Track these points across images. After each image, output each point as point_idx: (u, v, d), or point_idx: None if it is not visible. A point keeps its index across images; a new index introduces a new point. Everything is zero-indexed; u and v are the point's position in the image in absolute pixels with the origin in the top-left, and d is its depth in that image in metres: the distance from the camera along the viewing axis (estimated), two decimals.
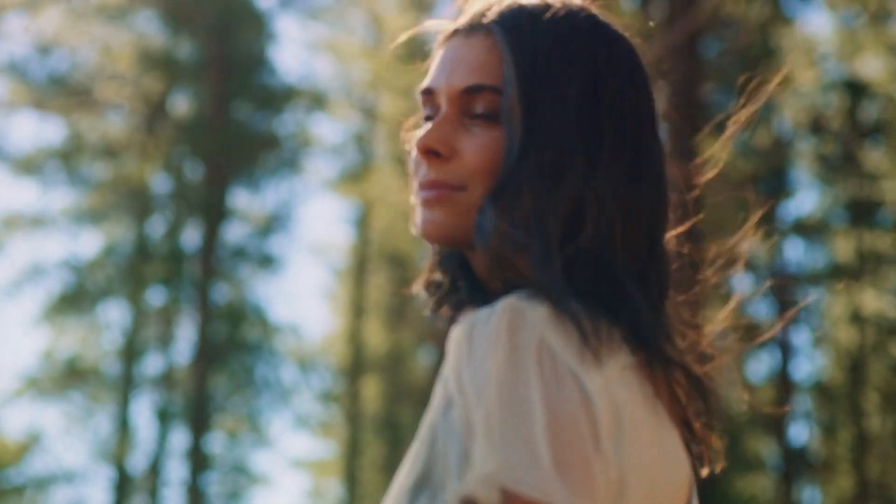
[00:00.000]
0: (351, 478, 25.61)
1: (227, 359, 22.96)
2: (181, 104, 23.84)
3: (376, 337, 26.26)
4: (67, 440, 22.39)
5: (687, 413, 1.59)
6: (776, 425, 19.38)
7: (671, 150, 1.71)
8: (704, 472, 1.67)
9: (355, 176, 25.26)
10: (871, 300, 20.05)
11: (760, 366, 20.26)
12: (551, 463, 1.34)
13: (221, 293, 23.33)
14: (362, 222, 26.25)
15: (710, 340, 1.70)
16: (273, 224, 23.72)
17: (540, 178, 1.53)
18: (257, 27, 23.87)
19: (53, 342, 22.60)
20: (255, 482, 23.54)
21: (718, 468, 1.68)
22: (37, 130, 37.36)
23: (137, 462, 22.43)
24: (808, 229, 20.48)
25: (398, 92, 23.89)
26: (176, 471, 22.52)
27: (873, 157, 20.16)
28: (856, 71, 19.93)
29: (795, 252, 21.20)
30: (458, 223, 1.60)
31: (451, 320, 1.72)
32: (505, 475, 1.33)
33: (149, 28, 23.50)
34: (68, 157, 22.69)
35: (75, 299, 22.42)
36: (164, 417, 22.48)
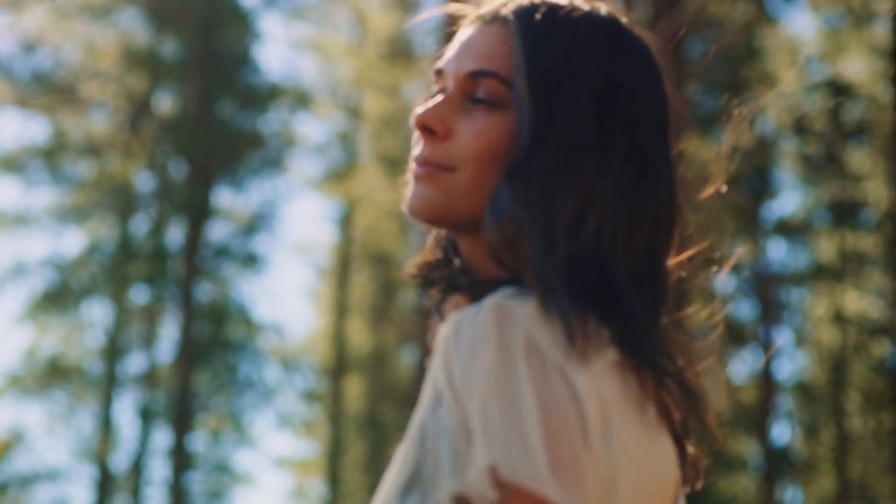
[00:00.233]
0: (334, 477, 25.61)
1: (211, 358, 22.93)
2: (165, 103, 23.81)
3: (359, 336, 26.26)
4: (50, 439, 22.35)
5: (674, 425, 1.58)
6: (758, 425, 19.42)
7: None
8: (699, 484, 1.67)
9: (339, 175, 25.26)
10: (854, 301, 20.11)
11: (743, 366, 20.29)
12: (545, 458, 1.35)
13: (205, 292, 23.30)
14: (346, 221, 26.25)
15: (697, 347, 1.70)
16: (257, 223, 23.69)
17: (551, 170, 1.54)
18: (242, 26, 23.83)
19: (36, 340, 22.55)
20: (237, 481, 23.52)
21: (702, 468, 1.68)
22: (20, 128, 37.20)
23: (120, 461, 22.40)
24: (791, 229, 20.52)
25: (382, 91, 23.90)
26: (158, 470, 22.50)
27: (856, 157, 20.21)
28: (839, 72, 19.98)
29: (778, 252, 21.27)
30: (442, 203, 1.61)
31: (438, 304, 1.72)
32: (503, 467, 1.34)
33: (133, 26, 23.46)
34: (52, 156, 22.63)
35: (58, 298, 22.36)
36: (146, 416, 22.45)
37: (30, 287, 22.51)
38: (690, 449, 1.63)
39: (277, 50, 43.98)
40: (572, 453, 1.37)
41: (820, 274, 20.42)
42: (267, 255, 24.32)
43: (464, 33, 1.68)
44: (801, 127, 19.59)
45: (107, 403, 22.37)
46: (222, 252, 23.46)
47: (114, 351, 22.56)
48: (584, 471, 1.38)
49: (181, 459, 21.88)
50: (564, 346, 1.41)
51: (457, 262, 1.71)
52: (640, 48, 1.66)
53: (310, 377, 25.51)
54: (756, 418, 19.25)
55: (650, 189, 1.59)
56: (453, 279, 1.70)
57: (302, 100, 24.72)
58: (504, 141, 1.59)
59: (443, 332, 1.45)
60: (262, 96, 23.77)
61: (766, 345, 19.83)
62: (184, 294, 22.55)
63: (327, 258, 27.42)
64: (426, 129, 1.63)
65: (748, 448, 20.33)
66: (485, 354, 1.39)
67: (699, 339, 1.72)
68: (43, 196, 22.78)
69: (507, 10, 1.65)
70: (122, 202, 22.84)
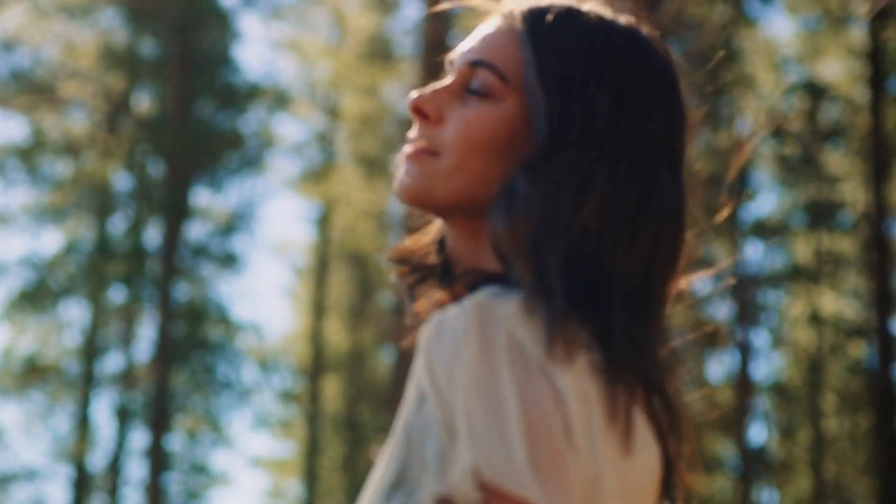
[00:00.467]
0: (311, 477, 25.60)
1: (188, 357, 22.88)
2: (144, 102, 23.77)
3: (337, 336, 26.26)
4: (27, 438, 22.29)
5: (658, 426, 1.56)
6: (735, 426, 19.47)
7: None
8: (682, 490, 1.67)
9: (317, 175, 25.25)
10: (830, 302, 20.18)
11: (719, 366, 20.36)
12: (526, 459, 1.35)
13: (182, 292, 23.25)
14: (324, 221, 26.24)
15: (675, 351, 1.70)
16: (235, 223, 23.66)
17: (567, 172, 1.54)
18: (221, 25, 23.80)
19: (14, 340, 22.48)
20: (215, 481, 23.50)
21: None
22: None
23: (97, 461, 22.36)
24: (768, 231, 20.58)
25: (360, 91, 23.89)
26: (136, 470, 22.46)
27: (833, 159, 20.29)
28: (816, 74, 20.05)
29: (755, 253, 21.31)
30: (422, 185, 1.63)
31: (411, 288, 1.73)
32: (485, 468, 1.35)
33: (112, 25, 23.41)
34: (30, 155, 22.56)
35: (36, 297, 22.30)
36: (123, 416, 22.40)
37: (7, 286, 22.47)
38: (673, 451, 1.62)
39: (256, 50, 44.02)
40: (555, 453, 1.37)
41: (796, 275, 20.49)
42: (245, 255, 24.34)
43: (480, 27, 1.70)
44: (778, 129, 19.64)
45: (84, 403, 22.32)
46: (200, 252, 23.42)
47: (91, 351, 22.51)
48: (567, 471, 1.38)
49: (158, 459, 21.83)
50: (547, 344, 1.42)
51: (441, 256, 1.73)
52: (655, 59, 1.67)
53: (287, 377, 25.50)
54: (733, 419, 19.30)
55: (655, 202, 1.59)
56: (432, 267, 1.72)
57: (280, 100, 24.70)
58: (491, 132, 1.60)
59: (425, 333, 1.45)
60: (240, 96, 23.75)
61: (743, 346, 19.88)
62: (162, 294, 22.50)
63: (305, 258, 27.43)
64: (420, 112, 1.66)
65: (724, 448, 20.39)
66: (467, 354, 1.40)
67: (676, 340, 1.72)
68: (21, 195, 22.73)
69: (521, 9, 1.66)
70: (100, 202, 22.79)
